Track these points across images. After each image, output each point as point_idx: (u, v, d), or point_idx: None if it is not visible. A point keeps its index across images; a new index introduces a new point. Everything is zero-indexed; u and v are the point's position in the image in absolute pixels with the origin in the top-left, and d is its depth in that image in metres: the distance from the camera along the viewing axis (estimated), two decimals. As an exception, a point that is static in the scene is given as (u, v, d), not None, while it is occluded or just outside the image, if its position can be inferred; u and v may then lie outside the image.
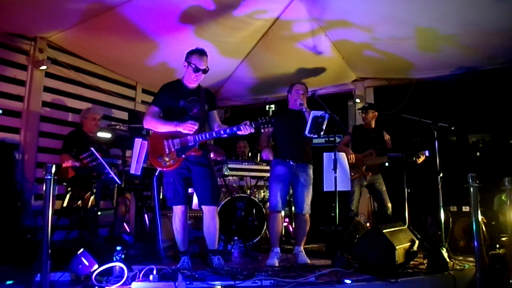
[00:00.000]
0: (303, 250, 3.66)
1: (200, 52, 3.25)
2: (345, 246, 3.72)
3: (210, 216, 3.27)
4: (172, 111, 3.26)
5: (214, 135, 3.19)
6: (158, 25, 4.38)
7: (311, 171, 3.80)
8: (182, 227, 3.26)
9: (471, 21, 4.05)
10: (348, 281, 2.77)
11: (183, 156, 3.17)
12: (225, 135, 3.16)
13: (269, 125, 3.02)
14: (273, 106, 6.62)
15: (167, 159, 3.18)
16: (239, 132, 3.08)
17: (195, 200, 5.32)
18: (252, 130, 3.06)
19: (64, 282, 2.80)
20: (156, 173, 3.32)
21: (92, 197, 3.97)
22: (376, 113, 4.73)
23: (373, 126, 4.72)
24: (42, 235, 2.40)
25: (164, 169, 3.22)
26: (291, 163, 3.72)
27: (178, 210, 3.25)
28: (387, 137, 4.72)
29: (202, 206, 3.32)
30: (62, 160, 4.10)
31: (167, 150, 3.19)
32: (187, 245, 3.32)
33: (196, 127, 3.13)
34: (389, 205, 4.44)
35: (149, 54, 4.98)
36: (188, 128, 3.11)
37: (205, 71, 3.25)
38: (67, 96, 4.98)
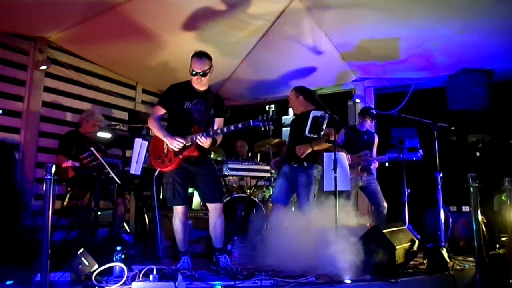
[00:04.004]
0: None
1: (197, 55, 3.25)
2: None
3: (216, 214, 3.27)
4: (176, 112, 3.28)
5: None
6: (158, 25, 4.38)
7: (313, 171, 3.85)
8: (182, 228, 3.26)
9: (471, 21, 4.06)
10: (348, 281, 2.77)
11: (181, 156, 3.17)
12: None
13: (270, 123, 3.01)
14: (273, 106, 6.61)
15: (165, 159, 3.20)
16: (199, 142, 3.10)
17: (195, 200, 5.35)
18: (208, 139, 3.08)
19: (64, 282, 2.80)
20: (156, 173, 3.33)
21: (91, 197, 3.97)
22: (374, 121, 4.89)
23: (365, 129, 4.84)
24: (42, 235, 2.40)
25: (163, 169, 3.23)
26: (291, 164, 3.97)
27: (178, 210, 3.25)
28: (376, 140, 4.84)
29: (208, 204, 3.32)
30: (58, 161, 4.10)
31: (165, 150, 3.22)
32: (187, 245, 3.32)
33: (181, 146, 3.12)
34: (385, 204, 4.47)
35: (149, 54, 4.98)
36: (173, 145, 3.13)
37: (203, 74, 3.22)
38: (67, 96, 4.98)
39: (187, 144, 3.15)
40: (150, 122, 3.30)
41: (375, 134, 4.90)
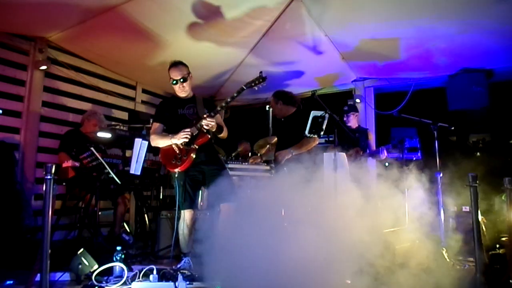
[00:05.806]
0: None
1: (172, 65, 3.43)
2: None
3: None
4: (173, 120, 3.40)
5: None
6: (158, 25, 4.37)
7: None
8: (189, 231, 3.32)
9: (471, 21, 4.06)
10: (348, 281, 2.77)
11: (194, 146, 3.25)
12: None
13: (261, 81, 3.24)
14: (273, 106, 6.64)
15: (180, 156, 3.26)
16: (205, 126, 3.20)
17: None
18: (211, 120, 3.19)
19: (64, 282, 2.81)
20: (176, 174, 3.36)
21: (92, 197, 3.98)
22: (358, 114, 4.93)
23: (355, 126, 4.85)
24: (42, 235, 2.40)
25: (182, 167, 3.26)
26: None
27: (187, 214, 3.31)
28: (371, 136, 4.85)
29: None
30: (60, 159, 4.11)
31: (176, 150, 3.29)
32: (190, 247, 3.36)
33: (189, 134, 3.22)
34: None
35: (149, 54, 4.98)
36: (182, 138, 3.22)
37: (184, 80, 3.37)
38: (67, 96, 4.98)
39: (194, 133, 3.24)
40: (152, 139, 3.40)
41: (368, 130, 4.93)
